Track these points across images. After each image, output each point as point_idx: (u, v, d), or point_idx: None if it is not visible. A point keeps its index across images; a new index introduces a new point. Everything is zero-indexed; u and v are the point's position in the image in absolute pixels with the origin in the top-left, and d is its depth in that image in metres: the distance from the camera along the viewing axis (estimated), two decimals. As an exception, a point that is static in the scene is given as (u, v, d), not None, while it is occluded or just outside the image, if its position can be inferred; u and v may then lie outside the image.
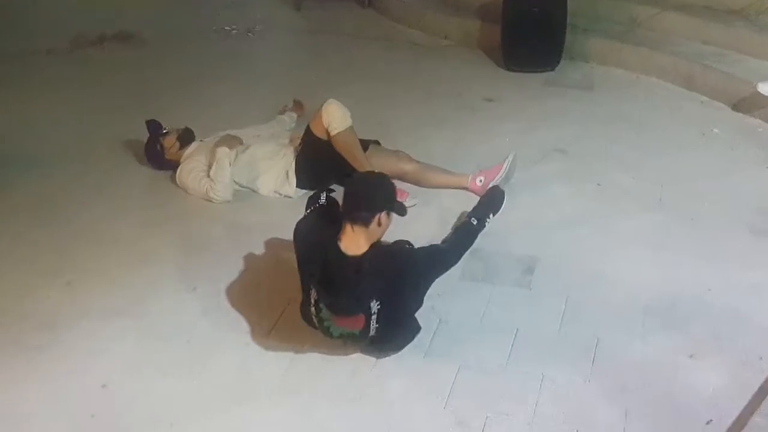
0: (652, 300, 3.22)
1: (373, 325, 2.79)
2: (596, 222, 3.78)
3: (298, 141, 4.17)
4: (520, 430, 2.65)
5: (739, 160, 4.37)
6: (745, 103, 4.85)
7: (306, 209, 3.11)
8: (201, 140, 4.31)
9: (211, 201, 4.05)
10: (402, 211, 2.90)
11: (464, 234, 3.28)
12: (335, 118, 3.90)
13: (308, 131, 4.04)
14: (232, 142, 4.14)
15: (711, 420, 2.64)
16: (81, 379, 2.93)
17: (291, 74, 5.84)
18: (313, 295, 2.82)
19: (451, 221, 3.75)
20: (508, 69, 5.70)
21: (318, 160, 3.98)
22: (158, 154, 4.31)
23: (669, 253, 3.53)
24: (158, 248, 3.70)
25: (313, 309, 2.85)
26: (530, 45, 5.55)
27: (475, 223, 3.28)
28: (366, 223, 2.76)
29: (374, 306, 2.75)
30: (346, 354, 2.98)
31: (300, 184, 4.05)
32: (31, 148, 4.72)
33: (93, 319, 3.24)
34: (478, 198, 3.61)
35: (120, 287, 3.44)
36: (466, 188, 3.95)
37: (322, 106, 3.96)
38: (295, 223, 2.96)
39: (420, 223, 3.62)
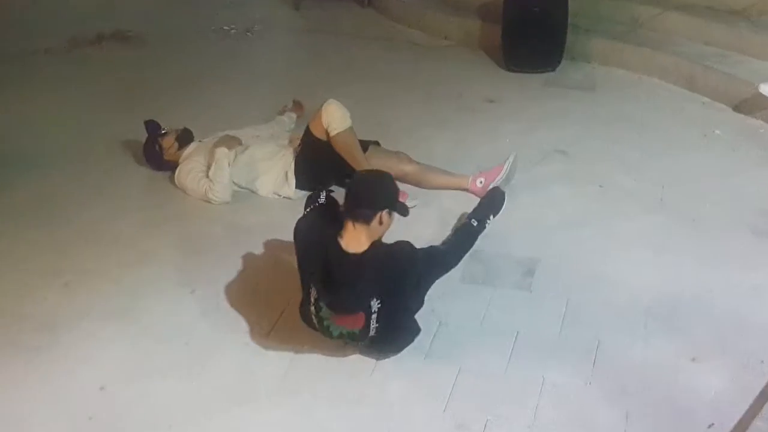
0: (654, 302, 3.21)
1: (373, 324, 2.79)
2: (597, 223, 3.77)
3: (298, 142, 4.15)
4: (521, 433, 2.64)
5: (740, 161, 4.36)
6: (747, 104, 4.84)
7: (305, 209, 3.10)
8: (200, 141, 4.29)
9: (209, 202, 4.03)
10: (404, 211, 2.90)
11: (464, 235, 3.27)
12: (335, 119, 3.89)
13: (308, 132, 4.03)
14: (231, 142, 4.12)
15: (712, 424, 2.63)
16: (79, 381, 2.92)
17: (290, 74, 5.83)
18: (313, 293, 2.82)
19: (451, 222, 3.74)
20: (509, 69, 5.68)
21: (317, 161, 3.97)
22: (157, 154, 4.29)
23: (670, 254, 3.52)
24: (157, 249, 3.69)
25: (312, 308, 2.84)
26: (531, 45, 5.53)
27: (475, 224, 3.27)
28: (367, 220, 2.76)
29: (374, 304, 2.75)
30: (346, 355, 2.97)
31: (299, 185, 4.04)
32: (29, 147, 4.71)
33: (92, 320, 3.23)
34: (479, 199, 3.59)
35: (119, 288, 3.43)
36: (466, 189, 3.94)
37: (321, 106, 3.95)
38: (294, 224, 2.95)
39: (420, 224, 3.60)
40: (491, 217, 3.38)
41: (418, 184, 4.03)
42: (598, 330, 3.06)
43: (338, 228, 2.80)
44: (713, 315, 3.13)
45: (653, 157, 4.38)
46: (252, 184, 4.12)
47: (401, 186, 3.82)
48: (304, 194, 3.89)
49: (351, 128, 3.92)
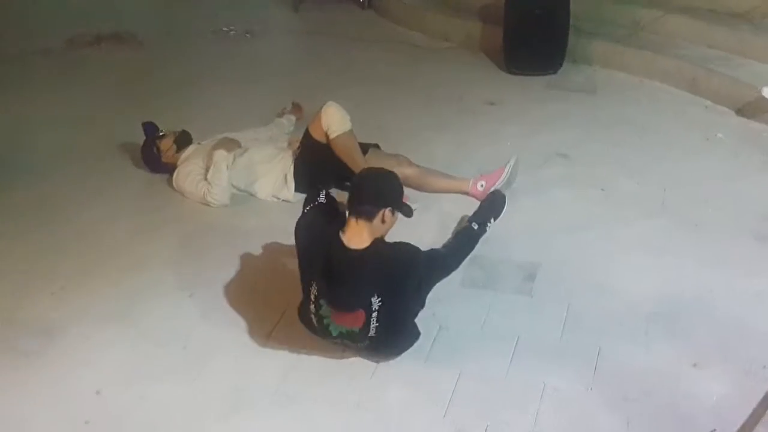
0: (655, 307, 3.19)
1: (373, 323, 2.77)
2: (599, 227, 3.75)
3: (297, 144, 4.14)
4: (521, 439, 2.62)
5: (743, 165, 4.34)
6: (750, 108, 4.83)
7: (303, 208, 3.10)
8: (198, 143, 4.27)
9: (208, 205, 4.01)
10: (408, 212, 2.90)
11: (465, 239, 3.25)
12: (334, 121, 3.87)
13: (307, 134, 4.01)
14: (230, 145, 4.10)
15: (714, 430, 2.61)
16: (76, 385, 2.90)
17: (289, 76, 5.81)
18: (314, 291, 2.81)
19: (452, 226, 3.72)
20: (510, 72, 5.68)
21: (317, 164, 3.94)
22: (155, 157, 4.28)
23: (672, 259, 3.50)
24: (155, 252, 3.67)
25: (312, 306, 2.83)
26: (532, 47, 5.52)
27: (476, 227, 3.25)
28: (370, 217, 2.76)
29: (375, 302, 2.74)
30: (345, 359, 2.95)
31: (298, 188, 4.02)
32: (27, 149, 4.70)
33: (88, 324, 3.20)
34: (479, 202, 3.57)
35: (116, 291, 3.40)
36: (467, 193, 3.91)
37: (321, 108, 3.93)
38: (293, 227, 2.93)
39: (420, 227, 3.57)
40: (492, 220, 3.35)
41: (418, 187, 4.01)
42: (600, 335, 3.03)
43: (339, 225, 2.81)
44: (715, 320, 3.11)
45: (655, 160, 4.36)
46: (251, 186, 4.11)
47: (401, 189, 3.82)
48: (303, 197, 3.87)
49: (351, 131, 3.90)
